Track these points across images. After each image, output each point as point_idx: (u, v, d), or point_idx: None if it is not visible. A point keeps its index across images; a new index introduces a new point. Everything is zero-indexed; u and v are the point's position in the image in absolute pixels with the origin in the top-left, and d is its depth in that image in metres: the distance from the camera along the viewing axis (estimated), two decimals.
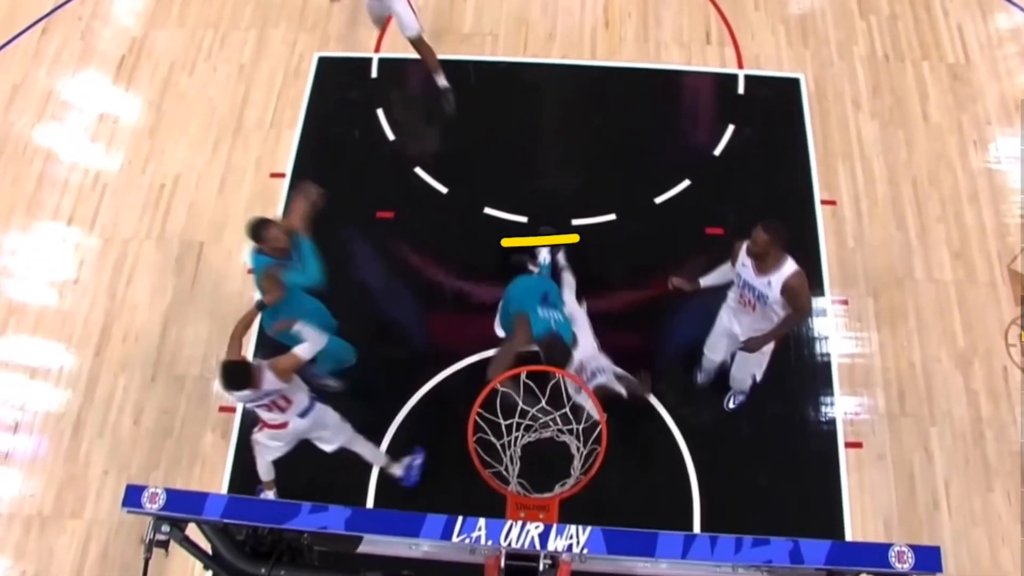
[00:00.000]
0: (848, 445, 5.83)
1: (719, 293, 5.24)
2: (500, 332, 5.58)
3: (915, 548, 2.76)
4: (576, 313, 5.56)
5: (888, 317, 6.32)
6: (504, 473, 4.06)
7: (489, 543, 2.86)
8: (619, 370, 5.29)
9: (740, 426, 5.89)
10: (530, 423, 4.27)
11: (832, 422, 5.92)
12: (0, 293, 6.62)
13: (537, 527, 2.87)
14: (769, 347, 5.15)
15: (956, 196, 6.83)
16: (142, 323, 6.43)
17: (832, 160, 7.01)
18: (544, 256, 6.19)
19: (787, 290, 4.67)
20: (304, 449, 5.24)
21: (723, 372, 5.74)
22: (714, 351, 5.51)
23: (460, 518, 2.88)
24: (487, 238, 6.64)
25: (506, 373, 4.30)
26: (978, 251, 6.57)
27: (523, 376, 4.25)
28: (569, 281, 6.00)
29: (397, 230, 6.74)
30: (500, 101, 7.46)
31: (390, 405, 5.95)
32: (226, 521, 3.03)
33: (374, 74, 7.56)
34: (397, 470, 5.59)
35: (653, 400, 5.82)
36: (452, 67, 7.25)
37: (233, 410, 6.00)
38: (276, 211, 6.83)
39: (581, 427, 4.26)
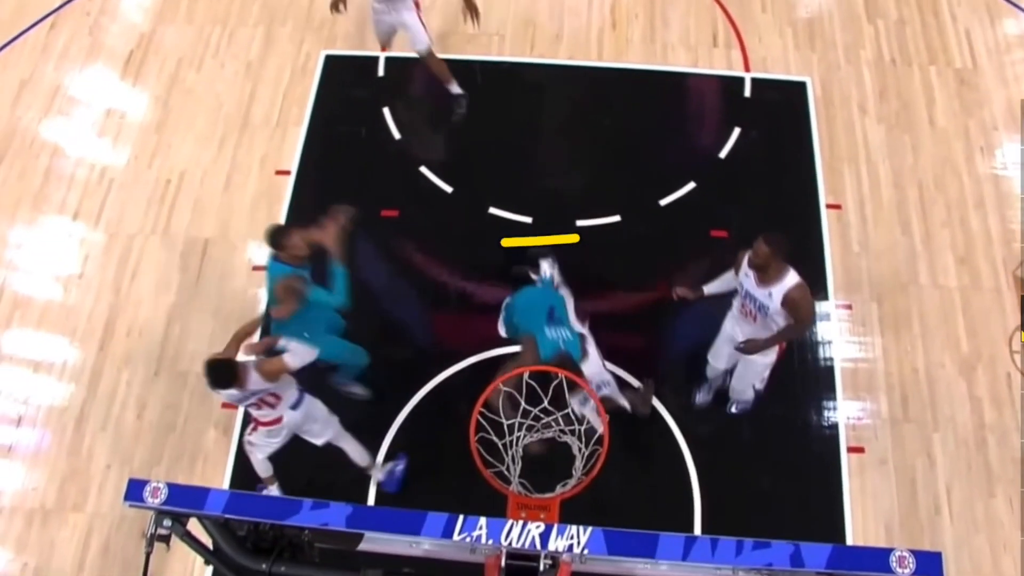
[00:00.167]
0: (850, 449, 5.82)
1: (725, 297, 5.23)
2: (503, 332, 5.59)
3: (916, 553, 2.76)
4: (579, 331, 5.51)
5: (892, 322, 6.31)
6: (505, 473, 4.06)
7: (490, 542, 2.86)
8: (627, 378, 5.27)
9: (742, 428, 5.88)
10: (532, 423, 4.27)
11: (834, 426, 5.92)
12: (5, 287, 6.64)
13: (538, 527, 2.87)
14: (770, 358, 5.15)
15: (962, 201, 6.81)
16: (146, 318, 6.44)
17: (838, 164, 7.01)
18: (546, 270, 6.09)
19: (788, 302, 4.67)
20: (305, 448, 5.26)
21: (723, 391, 5.76)
22: (717, 359, 5.50)
23: (461, 517, 2.88)
24: (491, 238, 6.64)
25: (508, 374, 4.30)
26: (983, 257, 6.56)
27: (526, 376, 4.25)
28: (567, 298, 5.95)
29: (402, 229, 6.75)
30: (506, 101, 7.47)
31: (392, 403, 5.96)
32: (227, 516, 3.04)
33: (381, 73, 7.57)
34: (379, 474, 5.57)
35: (655, 402, 5.82)
36: (459, 67, 7.25)
37: (235, 407, 6.01)
38: (281, 208, 6.87)
39: (583, 428, 4.26)
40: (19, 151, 7.27)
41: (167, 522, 3.08)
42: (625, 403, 5.22)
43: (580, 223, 6.68)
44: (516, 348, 5.49)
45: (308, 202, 6.88)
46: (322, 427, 5.19)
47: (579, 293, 5.81)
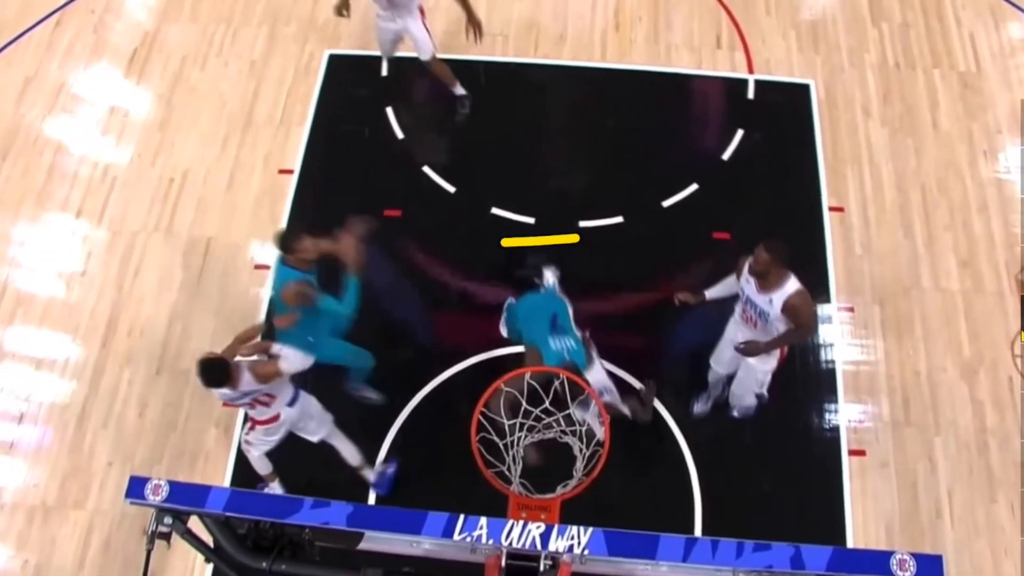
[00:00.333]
0: (851, 452, 5.81)
1: (728, 301, 5.22)
2: (504, 333, 5.59)
3: (917, 556, 2.75)
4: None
5: (894, 325, 6.30)
6: (506, 473, 4.06)
7: (490, 542, 2.86)
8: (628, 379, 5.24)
9: (743, 430, 5.87)
10: (533, 424, 4.27)
11: (836, 429, 5.91)
12: (8, 284, 6.65)
13: (538, 527, 2.87)
14: (770, 365, 5.15)
15: (965, 205, 6.81)
16: (148, 316, 6.45)
17: (841, 167, 7.00)
18: (549, 279, 6.07)
19: (788, 309, 4.67)
20: (306, 447, 5.27)
21: (720, 402, 5.77)
22: (720, 363, 5.49)
23: (462, 517, 2.89)
24: (494, 238, 6.65)
25: (511, 374, 4.30)
26: (986, 261, 6.55)
27: (527, 377, 4.25)
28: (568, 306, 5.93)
29: (404, 229, 6.75)
30: (509, 102, 7.47)
31: (393, 403, 5.96)
32: (228, 514, 3.04)
33: (384, 72, 7.57)
34: (370, 474, 5.56)
35: (656, 403, 5.81)
36: (462, 68, 7.26)
37: (236, 406, 6.02)
38: (284, 207, 6.87)
39: (584, 429, 4.26)
40: (23, 148, 7.28)
41: (168, 520, 3.09)
42: (626, 410, 5.21)
43: (582, 224, 6.68)
44: (517, 348, 5.51)
45: (311, 201, 6.90)
46: (317, 424, 5.20)
47: (581, 294, 5.80)
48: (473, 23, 6.65)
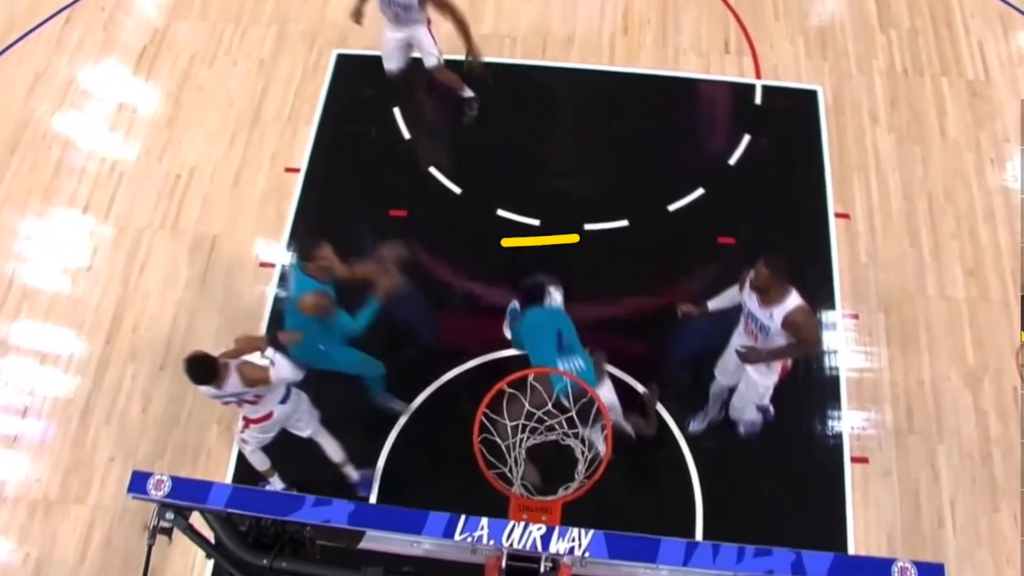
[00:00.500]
0: (854, 460, 5.80)
1: (732, 312, 5.19)
2: (508, 335, 5.59)
3: (919, 564, 2.75)
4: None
5: (898, 333, 6.28)
6: (508, 474, 4.06)
7: (491, 543, 2.86)
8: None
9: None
10: (536, 425, 4.27)
11: (839, 436, 5.90)
12: (14, 278, 6.67)
13: (539, 529, 2.87)
14: (770, 380, 5.13)
15: (971, 213, 6.79)
16: (153, 312, 6.46)
17: (847, 173, 6.99)
18: (555, 298, 6.02)
19: (788, 324, 4.66)
20: (305, 447, 5.29)
21: (716, 423, 5.76)
22: (723, 373, 5.47)
23: (463, 517, 2.89)
24: (499, 240, 6.65)
25: (513, 375, 4.29)
26: (992, 269, 6.53)
27: (531, 379, 4.25)
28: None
29: (410, 229, 6.75)
30: (517, 104, 7.47)
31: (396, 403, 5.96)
32: (230, 511, 3.05)
33: None
34: (352, 473, 5.57)
35: (659, 406, 5.80)
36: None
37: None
38: (290, 205, 6.88)
39: (586, 431, 4.26)
40: (31, 143, 7.31)
41: (170, 515, 3.09)
42: (630, 429, 5.18)
43: (588, 227, 6.68)
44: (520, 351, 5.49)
45: (317, 200, 6.91)
46: (307, 421, 5.25)
47: (585, 297, 5.80)
48: (473, 54, 6.62)
